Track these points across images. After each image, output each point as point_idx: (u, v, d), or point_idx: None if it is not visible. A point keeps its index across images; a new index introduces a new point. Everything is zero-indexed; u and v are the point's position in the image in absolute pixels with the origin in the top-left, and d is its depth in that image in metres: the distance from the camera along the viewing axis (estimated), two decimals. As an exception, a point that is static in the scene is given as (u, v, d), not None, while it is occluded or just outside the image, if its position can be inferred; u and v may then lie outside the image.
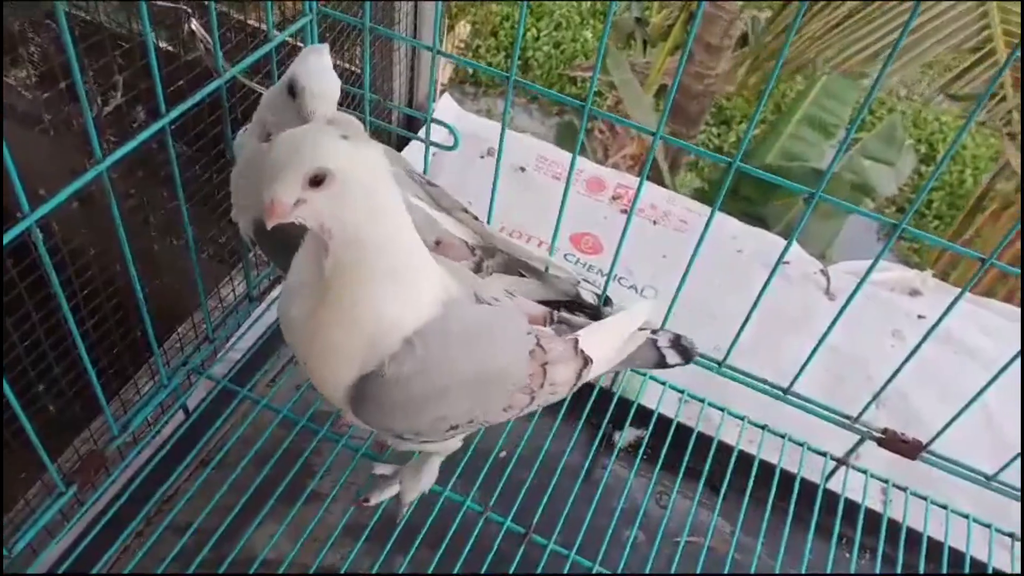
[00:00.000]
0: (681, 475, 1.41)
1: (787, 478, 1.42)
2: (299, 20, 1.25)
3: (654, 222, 2.01)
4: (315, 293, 0.87)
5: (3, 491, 1.23)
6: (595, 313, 1.26)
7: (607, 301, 1.36)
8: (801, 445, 1.47)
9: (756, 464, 1.43)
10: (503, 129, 1.33)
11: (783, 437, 1.48)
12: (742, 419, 1.49)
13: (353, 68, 1.77)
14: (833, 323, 1.27)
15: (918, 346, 1.23)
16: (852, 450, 1.45)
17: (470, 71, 6.94)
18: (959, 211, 3.96)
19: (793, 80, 6.76)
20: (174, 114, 1.00)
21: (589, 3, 7.54)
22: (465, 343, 0.96)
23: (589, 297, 1.32)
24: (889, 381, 1.30)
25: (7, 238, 0.85)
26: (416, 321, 0.90)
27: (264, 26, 1.20)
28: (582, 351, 1.09)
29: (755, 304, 1.29)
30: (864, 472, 1.46)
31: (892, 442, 1.38)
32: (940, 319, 1.19)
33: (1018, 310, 2.01)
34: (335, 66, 1.04)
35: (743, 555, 1.36)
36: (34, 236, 0.87)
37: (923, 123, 6.94)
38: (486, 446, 1.38)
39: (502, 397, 1.03)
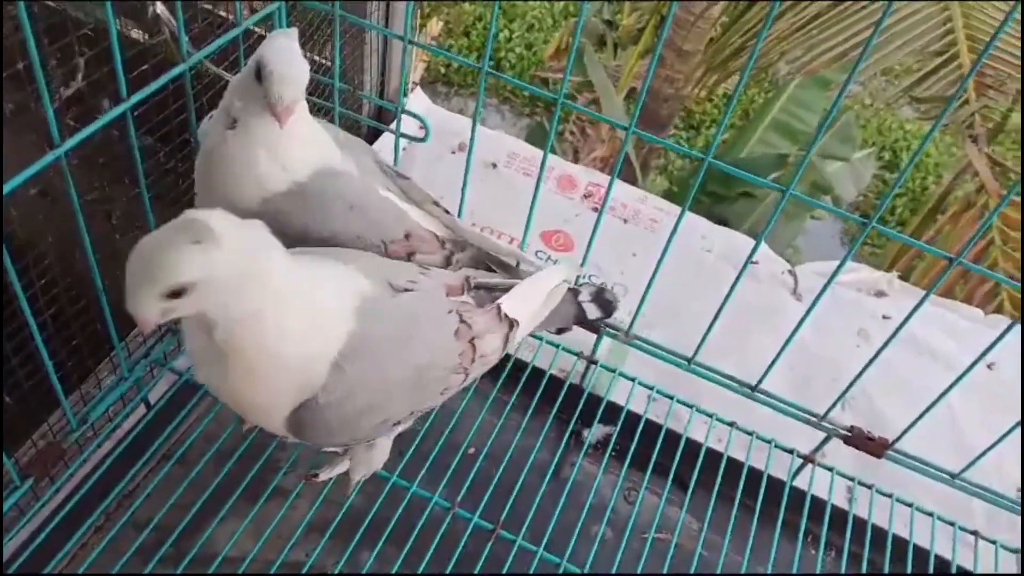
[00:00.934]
0: (649, 472, 1.40)
1: (754, 475, 1.43)
2: (268, 7, 1.23)
3: (624, 220, 2.01)
4: (216, 360, 0.87)
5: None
6: (511, 272, 1.25)
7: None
8: (768, 442, 1.48)
9: (724, 461, 1.43)
10: (475, 122, 1.32)
11: (751, 435, 1.48)
12: (711, 416, 1.49)
13: (323, 60, 1.74)
14: (800, 323, 1.27)
15: (884, 346, 1.24)
16: (819, 447, 1.46)
17: (441, 71, 6.93)
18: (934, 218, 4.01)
19: (760, 85, 6.83)
20: (136, 99, 0.98)
21: (562, 4, 7.55)
22: (391, 347, 0.96)
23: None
24: (856, 379, 1.31)
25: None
26: (337, 342, 0.90)
27: (232, 16, 1.18)
28: (506, 315, 1.10)
29: (724, 303, 1.30)
30: (830, 470, 1.47)
31: (858, 440, 1.39)
32: (906, 320, 1.20)
33: (979, 312, 2.04)
34: (304, 59, 1.02)
35: (710, 552, 1.36)
36: (-10, 221, 0.85)
37: (887, 131, 7.04)
38: (454, 442, 1.36)
39: (438, 384, 1.03)
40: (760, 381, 1.40)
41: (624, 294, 1.83)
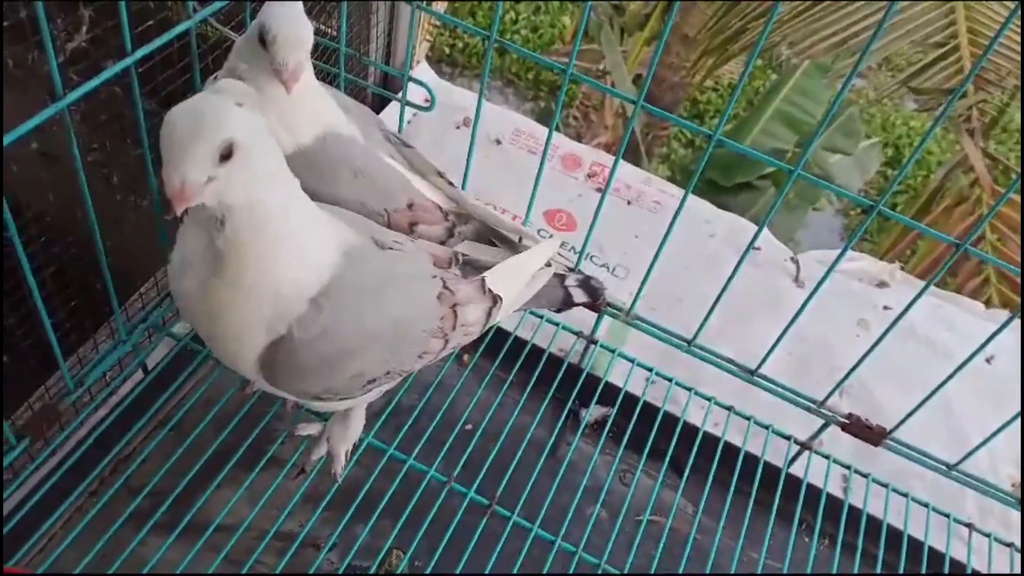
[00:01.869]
0: (646, 454, 1.40)
1: (751, 461, 1.43)
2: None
3: (628, 202, 2.00)
4: (207, 266, 0.85)
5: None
6: (513, 247, 1.25)
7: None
8: (766, 428, 1.47)
9: (720, 446, 1.43)
10: (480, 93, 1.31)
11: (748, 419, 1.48)
12: (709, 400, 1.49)
13: (328, 29, 1.72)
14: (801, 309, 1.27)
15: (884, 333, 1.24)
16: (816, 434, 1.46)
17: (446, 50, 6.89)
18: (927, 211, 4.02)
19: (763, 71, 6.81)
20: (140, 54, 0.96)
21: (569, -11, 7.50)
22: (371, 294, 0.95)
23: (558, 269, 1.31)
24: (854, 368, 1.30)
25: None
26: (319, 281, 0.89)
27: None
28: (490, 290, 1.10)
29: (725, 287, 1.29)
30: (827, 457, 1.47)
31: (857, 427, 1.38)
32: (906, 309, 1.20)
33: (979, 305, 2.03)
34: (309, 21, 1.00)
35: (704, 536, 1.35)
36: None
37: (891, 127, 7.02)
38: (452, 417, 1.36)
39: (416, 344, 1.03)
40: (760, 365, 1.40)
41: (626, 275, 1.82)
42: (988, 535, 1.45)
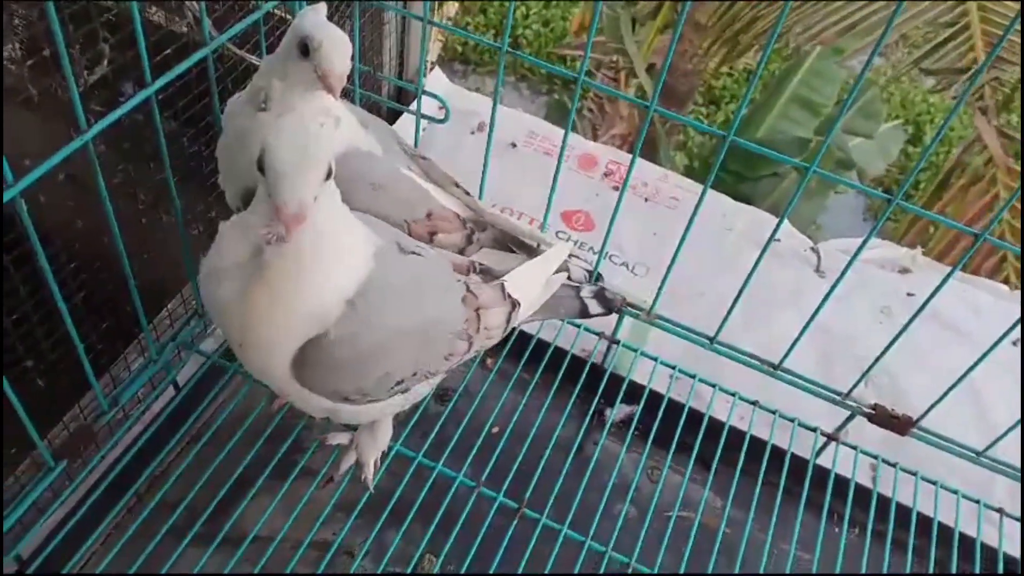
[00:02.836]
0: (672, 451, 1.41)
1: (777, 454, 1.43)
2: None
3: (645, 199, 2.00)
4: (248, 273, 0.87)
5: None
6: (532, 253, 1.27)
7: (599, 278, 1.36)
8: (792, 421, 1.48)
9: (747, 440, 1.43)
10: (495, 102, 1.32)
11: (774, 413, 1.48)
12: (733, 395, 1.49)
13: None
14: (824, 300, 1.27)
15: (910, 322, 1.24)
16: (842, 426, 1.46)
17: (459, 49, 6.89)
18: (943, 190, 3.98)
19: (778, 54, 6.73)
20: (160, 83, 0.98)
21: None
22: (402, 295, 0.98)
23: (579, 273, 1.31)
24: (880, 357, 1.30)
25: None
26: (356, 281, 0.91)
27: (253, -1, 1.18)
28: (509, 295, 1.12)
29: (747, 281, 1.29)
30: (854, 448, 1.47)
31: (882, 418, 1.38)
32: (930, 297, 1.19)
33: (1003, 287, 2.02)
34: None
35: (734, 530, 1.36)
36: (19, 207, 0.86)
37: (910, 104, 6.93)
38: (478, 422, 1.38)
39: (442, 345, 1.05)
40: (783, 359, 1.40)
41: (645, 273, 1.83)
42: (1019, 519, 1.44)
